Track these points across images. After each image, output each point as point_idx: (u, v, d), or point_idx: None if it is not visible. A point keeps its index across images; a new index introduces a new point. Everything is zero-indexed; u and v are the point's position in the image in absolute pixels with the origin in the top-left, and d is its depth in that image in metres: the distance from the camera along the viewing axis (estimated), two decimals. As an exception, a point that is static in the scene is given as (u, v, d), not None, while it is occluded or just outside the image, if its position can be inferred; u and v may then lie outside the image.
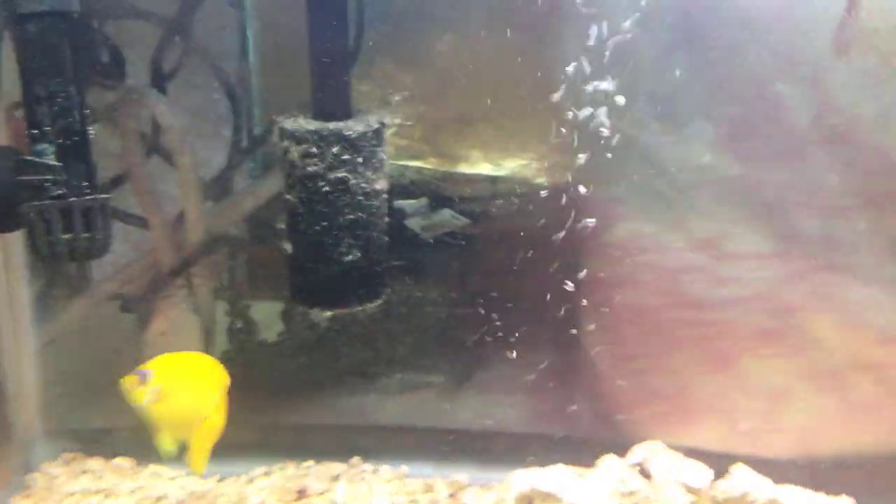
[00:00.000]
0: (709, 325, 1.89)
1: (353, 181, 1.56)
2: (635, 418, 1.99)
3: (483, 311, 1.95)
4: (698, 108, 1.78)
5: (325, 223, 1.57)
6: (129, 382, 1.48)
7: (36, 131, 1.36)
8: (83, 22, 1.44)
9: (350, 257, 1.60)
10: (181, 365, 1.54)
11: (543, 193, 1.87)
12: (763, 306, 1.86)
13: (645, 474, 1.87)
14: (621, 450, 1.95)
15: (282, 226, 1.67)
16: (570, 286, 1.87)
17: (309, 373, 2.14)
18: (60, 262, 1.49)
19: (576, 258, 1.86)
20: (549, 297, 1.88)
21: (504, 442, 2.08)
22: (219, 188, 1.98)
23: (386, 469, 2.05)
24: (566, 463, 1.90)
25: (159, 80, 1.84)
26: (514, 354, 1.97)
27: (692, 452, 1.91)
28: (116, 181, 1.86)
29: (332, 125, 1.54)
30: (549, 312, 1.90)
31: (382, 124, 1.59)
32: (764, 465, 1.87)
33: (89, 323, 2.01)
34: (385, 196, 1.64)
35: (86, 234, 1.40)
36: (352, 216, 1.58)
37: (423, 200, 1.96)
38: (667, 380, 1.95)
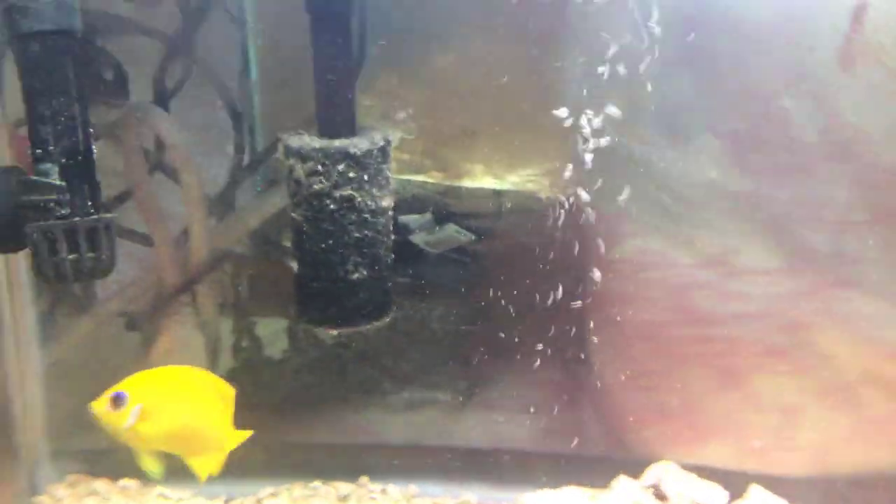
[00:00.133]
0: (718, 341, 1.88)
1: (359, 199, 1.55)
2: (645, 436, 1.97)
3: (489, 328, 1.94)
4: (704, 123, 1.78)
5: (331, 241, 1.56)
6: (99, 407, 1.41)
7: (40, 151, 1.35)
8: (86, 40, 1.44)
9: (357, 275, 1.58)
10: (161, 380, 1.49)
11: (548, 208, 1.86)
12: (773, 322, 1.85)
13: (660, 496, 1.86)
14: (631, 468, 1.94)
15: (288, 243, 1.66)
16: (576, 302, 1.85)
17: (314, 390, 2.13)
18: (65, 283, 1.48)
19: (583, 274, 1.85)
20: (555, 313, 1.87)
21: (512, 460, 2.07)
22: (221, 205, 1.98)
23: (394, 489, 2.03)
24: (576, 482, 1.89)
25: (163, 98, 1.84)
26: (522, 372, 1.96)
27: (703, 470, 1.90)
28: (120, 198, 1.86)
29: (337, 142, 1.53)
30: (556, 329, 1.89)
31: (388, 141, 1.59)
32: (777, 483, 1.86)
33: (94, 342, 2.00)
34: (391, 213, 1.64)
35: (91, 254, 1.38)
36: (358, 234, 1.57)
37: (428, 216, 1.96)
38: (676, 397, 1.93)
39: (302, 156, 1.53)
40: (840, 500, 1.85)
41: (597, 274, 1.85)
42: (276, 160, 1.93)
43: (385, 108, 1.86)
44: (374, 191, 1.57)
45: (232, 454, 1.98)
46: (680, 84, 1.73)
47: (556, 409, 2.01)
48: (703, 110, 1.77)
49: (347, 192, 1.54)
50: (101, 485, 2.03)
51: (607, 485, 1.91)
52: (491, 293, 1.95)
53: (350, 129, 1.58)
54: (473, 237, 1.96)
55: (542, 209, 1.90)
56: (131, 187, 1.85)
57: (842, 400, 1.85)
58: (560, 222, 1.83)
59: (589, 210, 1.80)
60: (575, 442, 2.00)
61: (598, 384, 1.97)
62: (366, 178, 1.55)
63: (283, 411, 2.12)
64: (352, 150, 1.52)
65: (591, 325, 1.90)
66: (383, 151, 1.57)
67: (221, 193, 1.97)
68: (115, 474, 2.05)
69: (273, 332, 2.12)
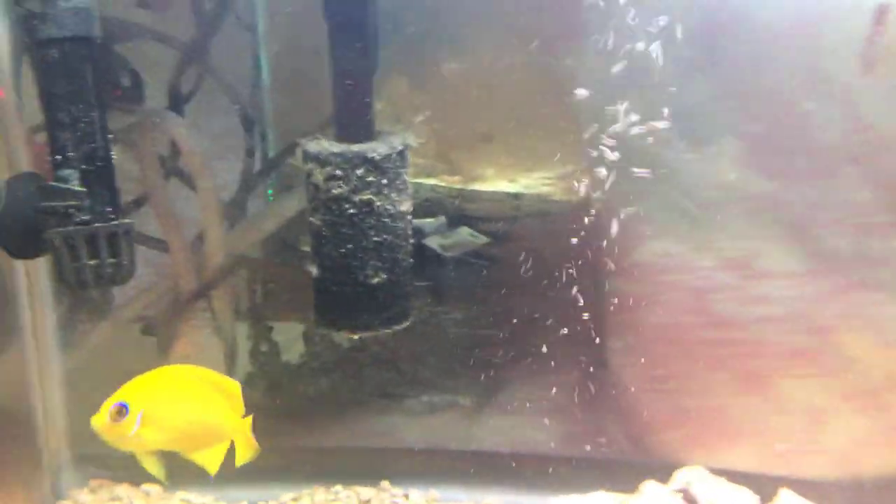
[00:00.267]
0: (741, 344, 1.86)
1: (378, 203, 1.55)
2: (666, 440, 1.96)
3: (507, 332, 1.94)
4: (724, 125, 1.76)
5: (350, 245, 1.56)
6: (101, 421, 1.40)
7: (59, 157, 1.36)
8: (104, 46, 1.44)
9: (376, 280, 1.58)
10: (158, 382, 1.48)
11: (564, 211, 1.85)
12: (796, 325, 1.83)
13: (690, 500, 1.84)
14: (653, 472, 1.92)
15: (306, 248, 1.66)
16: (595, 306, 1.84)
17: (333, 395, 2.13)
18: (86, 289, 1.48)
19: (601, 277, 1.84)
20: (574, 316, 1.86)
21: (533, 464, 2.05)
22: (233, 212, 1.98)
23: (416, 494, 2.03)
24: (597, 486, 1.87)
25: (177, 104, 1.85)
26: (542, 375, 1.95)
27: (727, 474, 1.88)
28: (135, 204, 1.87)
29: (355, 147, 1.54)
30: (575, 332, 1.88)
31: (406, 146, 1.59)
32: (804, 487, 1.84)
33: (113, 347, 2.01)
34: (410, 217, 1.64)
35: (111, 260, 1.39)
36: (377, 238, 1.57)
37: (442, 219, 1.95)
38: (699, 400, 1.92)
39: (321, 160, 1.53)
40: (866, 502, 1.83)
41: (615, 277, 1.84)
42: (289, 166, 1.95)
43: (395, 113, 1.86)
44: (393, 195, 1.57)
45: (259, 460, 2.00)
46: (699, 86, 1.71)
47: (576, 413, 1.99)
48: (722, 112, 1.75)
49: (366, 196, 1.54)
50: (123, 490, 2.04)
51: (632, 489, 1.89)
52: (509, 296, 1.95)
53: (368, 134, 1.59)
54: (487, 240, 1.95)
55: (558, 212, 1.89)
56: (147, 193, 1.85)
57: (867, 403, 1.83)
58: (577, 225, 1.81)
59: (607, 213, 1.79)
60: (596, 446, 1.99)
61: (619, 388, 1.96)
62: (385, 182, 1.55)
63: (302, 415, 2.12)
64: (370, 155, 1.52)
65: (611, 328, 1.89)
66: (402, 156, 1.58)
67: (232, 200, 1.97)
68: (137, 479, 2.05)
69: (291, 337, 2.12)
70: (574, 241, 1.82)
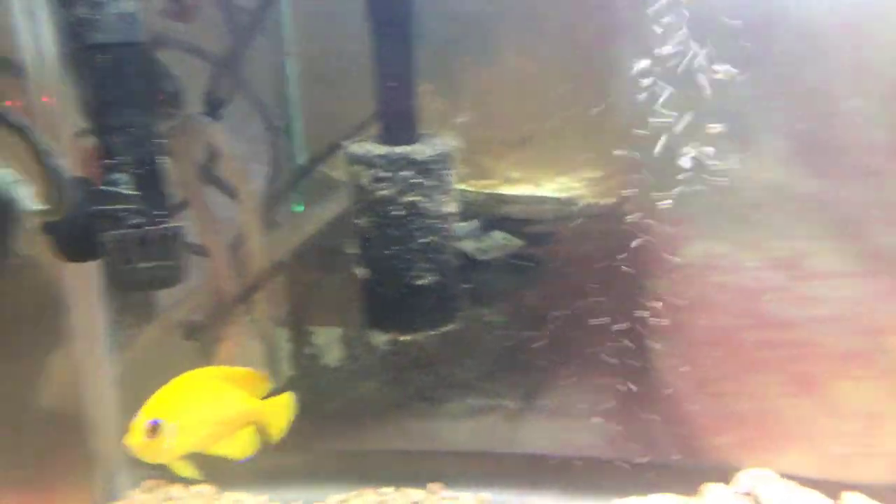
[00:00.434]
0: (792, 346, 1.83)
1: (423, 204, 1.55)
2: (717, 443, 1.93)
3: (549, 334, 1.93)
4: (770, 124, 1.73)
5: (397, 247, 1.56)
6: (136, 439, 1.43)
7: (110, 161, 1.38)
8: (150, 52, 1.46)
9: (423, 281, 1.58)
10: (180, 391, 1.52)
11: (606, 213, 1.85)
12: (849, 326, 1.80)
13: (757, 503, 1.81)
14: (704, 475, 1.90)
15: (351, 251, 1.66)
16: (640, 307, 1.82)
17: (374, 398, 2.13)
18: (138, 291, 1.50)
19: (646, 279, 1.82)
20: (620, 319, 1.85)
21: (582, 468, 2.04)
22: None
23: (466, 496, 2.03)
24: (648, 489, 1.86)
25: (215, 109, 1.87)
26: (589, 378, 1.93)
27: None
28: (175, 209, 1.89)
29: (400, 149, 1.54)
30: (622, 335, 1.87)
31: (450, 147, 1.59)
32: (859, 491, 1.80)
33: (162, 349, 2.03)
34: (455, 219, 1.63)
35: (163, 262, 1.41)
36: (424, 240, 1.57)
37: (475, 223, 1.95)
38: (749, 403, 1.89)
39: (366, 162, 1.53)
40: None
41: (660, 278, 1.82)
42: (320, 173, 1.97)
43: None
44: (438, 196, 1.57)
45: (307, 462, 2.02)
46: (744, 84, 1.69)
47: (624, 416, 1.97)
48: (768, 111, 1.73)
49: (412, 197, 1.54)
50: (176, 490, 2.07)
51: (684, 492, 1.87)
52: (550, 299, 1.94)
53: (411, 136, 1.59)
54: (522, 243, 1.94)
55: (599, 214, 1.88)
56: (186, 198, 1.87)
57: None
58: (620, 227, 1.80)
59: (650, 214, 1.77)
60: (644, 450, 1.97)
61: (666, 391, 1.93)
62: (430, 183, 1.55)
63: (347, 419, 2.13)
64: (416, 156, 1.53)
65: (658, 330, 1.87)
66: (446, 157, 1.57)
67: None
68: (189, 480, 2.07)
69: (329, 341, 2.13)
70: (617, 242, 1.81)
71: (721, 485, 1.87)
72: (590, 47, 1.79)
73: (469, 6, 1.86)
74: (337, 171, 2.05)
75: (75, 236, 1.41)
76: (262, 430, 1.64)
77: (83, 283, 1.95)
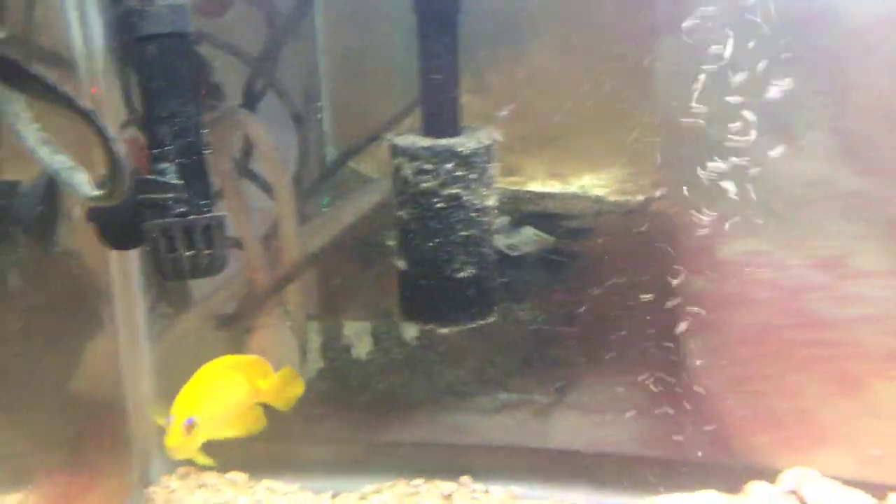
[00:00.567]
0: (833, 345, 1.81)
1: (465, 197, 1.55)
2: (753, 442, 1.92)
3: (583, 330, 1.92)
4: (814, 120, 1.71)
5: (438, 239, 1.57)
6: (177, 439, 1.48)
7: (157, 150, 1.38)
8: (195, 43, 1.47)
9: (464, 274, 1.59)
10: (200, 386, 1.57)
11: (643, 209, 1.85)
12: (892, 326, 1.77)
13: (802, 502, 1.80)
14: (740, 474, 1.89)
15: (391, 243, 1.67)
16: (676, 305, 1.81)
17: (405, 391, 2.14)
18: (182, 280, 1.51)
19: (683, 276, 1.81)
20: (657, 314, 1.84)
21: (613, 464, 2.03)
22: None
23: (497, 489, 2.02)
24: (682, 487, 1.85)
25: (252, 102, 1.88)
26: (624, 375, 1.93)
27: (817, 478, 1.83)
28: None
29: (444, 141, 1.54)
30: (658, 331, 1.86)
31: (494, 140, 1.59)
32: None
33: (196, 339, 2.05)
34: (496, 212, 1.63)
35: (206, 251, 1.42)
36: (465, 233, 1.57)
37: (506, 219, 1.95)
38: (788, 402, 1.87)
39: (409, 154, 1.54)
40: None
41: (699, 275, 1.81)
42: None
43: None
44: (481, 189, 1.57)
45: (338, 452, 2.03)
46: (788, 80, 1.67)
47: (659, 413, 1.96)
48: (812, 107, 1.70)
49: (455, 190, 1.54)
50: (210, 477, 2.08)
51: (734, 490, 1.87)
52: (584, 295, 1.93)
53: (455, 129, 1.59)
54: (553, 239, 1.94)
55: (635, 210, 1.87)
56: (221, 189, 1.88)
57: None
58: (656, 223, 1.79)
59: (688, 210, 1.76)
60: (679, 448, 1.95)
61: (702, 389, 1.92)
62: (473, 176, 1.55)
63: (378, 411, 2.14)
64: (459, 149, 1.53)
65: (695, 327, 1.85)
66: (489, 150, 1.57)
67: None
68: (223, 468, 2.10)
69: (358, 333, 2.14)
70: (651, 239, 1.80)
71: (765, 483, 1.86)
72: (625, 43, 1.77)
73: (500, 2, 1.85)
74: (364, 164, 2.07)
75: (121, 224, 1.42)
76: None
77: (125, 272, 1.98)
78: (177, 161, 1.39)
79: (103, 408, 1.99)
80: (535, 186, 2.01)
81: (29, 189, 1.50)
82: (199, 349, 2.04)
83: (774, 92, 1.63)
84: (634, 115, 1.78)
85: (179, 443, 1.48)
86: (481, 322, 1.65)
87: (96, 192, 1.25)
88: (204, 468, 1.59)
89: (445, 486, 2.04)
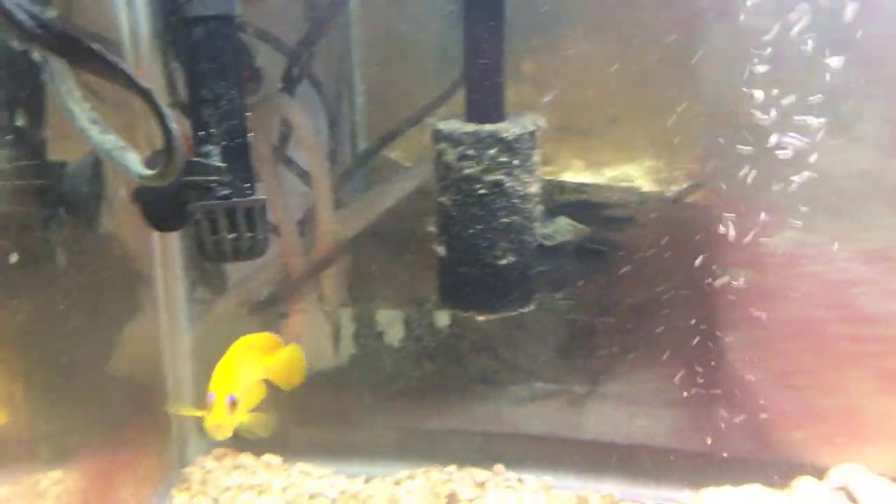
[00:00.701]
0: (879, 340, 1.78)
1: (508, 184, 1.54)
2: (794, 437, 1.89)
3: (636, 322, 1.90)
4: (865, 111, 1.68)
5: (479, 226, 1.56)
6: (221, 416, 1.45)
7: (202, 133, 1.39)
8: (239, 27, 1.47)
9: (504, 261, 1.58)
10: (228, 366, 1.55)
11: (678, 200, 1.85)
12: (941, 322, 1.74)
13: (852, 500, 1.77)
14: (778, 469, 1.87)
15: (431, 228, 1.66)
16: (717, 297, 1.79)
17: (438, 378, 2.14)
18: (225, 261, 1.52)
19: (725, 268, 1.79)
20: (700, 307, 1.81)
21: (649, 456, 2.02)
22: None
23: (531, 478, 2.02)
24: (720, 481, 1.83)
25: (291, 87, 1.88)
26: (659, 365, 1.91)
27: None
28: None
29: (488, 127, 1.53)
30: (700, 323, 1.83)
31: (538, 126, 1.57)
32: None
33: (233, 323, 2.06)
34: (538, 199, 1.62)
35: (248, 234, 1.42)
36: (506, 219, 1.56)
37: (540, 208, 1.94)
38: (830, 398, 1.85)
39: (453, 140, 1.53)
40: None
41: (745, 267, 1.78)
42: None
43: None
44: (523, 176, 1.56)
45: (371, 437, 2.04)
46: (838, 70, 1.63)
47: (698, 406, 1.94)
48: (863, 98, 1.67)
49: (498, 176, 1.53)
50: (246, 459, 2.10)
51: (782, 485, 1.85)
52: (621, 286, 1.92)
53: (499, 114, 1.58)
54: (588, 229, 1.91)
55: (673, 201, 1.85)
56: (259, 175, 1.88)
57: None
58: (700, 213, 1.76)
59: (732, 202, 1.73)
60: (716, 441, 1.93)
61: (743, 382, 1.89)
62: (516, 163, 1.54)
63: (412, 398, 2.14)
64: (503, 135, 1.51)
65: (736, 321, 1.83)
66: (533, 136, 1.56)
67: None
68: (258, 450, 2.12)
69: (391, 320, 2.14)
70: (695, 229, 1.77)
71: (812, 479, 1.83)
72: (668, 29, 1.75)
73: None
74: (395, 152, 2.06)
75: (166, 205, 1.42)
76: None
77: (166, 256, 1.99)
78: (221, 144, 1.39)
79: (143, 389, 2.01)
80: (571, 176, 1.99)
81: (76, 170, 1.50)
82: (234, 333, 2.05)
83: (824, 81, 1.59)
84: (677, 103, 1.75)
85: (223, 420, 1.46)
86: (521, 310, 1.64)
87: (149, 172, 1.25)
88: (257, 436, 1.57)
89: (479, 473, 2.03)
